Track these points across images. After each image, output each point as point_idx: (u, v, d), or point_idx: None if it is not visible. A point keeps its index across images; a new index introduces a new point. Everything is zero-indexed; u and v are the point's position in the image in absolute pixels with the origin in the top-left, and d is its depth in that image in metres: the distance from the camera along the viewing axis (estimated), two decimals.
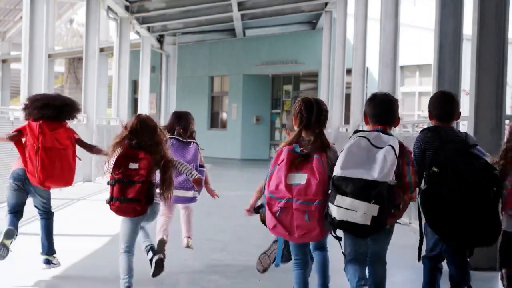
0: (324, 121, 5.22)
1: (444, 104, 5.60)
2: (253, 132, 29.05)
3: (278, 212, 4.89)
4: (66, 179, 7.01)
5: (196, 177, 6.32)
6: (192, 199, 7.40)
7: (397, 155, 4.84)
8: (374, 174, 4.71)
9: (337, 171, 4.80)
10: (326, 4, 22.49)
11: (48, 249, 7.11)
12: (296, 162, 4.95)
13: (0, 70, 34.42)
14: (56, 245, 8.58)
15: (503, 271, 5.39)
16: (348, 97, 18.57)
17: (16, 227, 6.87)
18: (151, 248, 6.56)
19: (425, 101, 23.48)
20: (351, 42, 17.98)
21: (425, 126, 12.30)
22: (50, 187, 6.96)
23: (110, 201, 5.83)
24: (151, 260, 6.53)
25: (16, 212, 6.93)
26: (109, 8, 20.09)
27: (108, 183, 5.90)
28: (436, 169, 5.06)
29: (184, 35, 28.34)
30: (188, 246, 7.61)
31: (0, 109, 20.93)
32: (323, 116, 5.23)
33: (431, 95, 5.87)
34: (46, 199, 7.02)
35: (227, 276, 7.17)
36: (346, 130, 17.62)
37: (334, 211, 4.76)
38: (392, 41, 13.10)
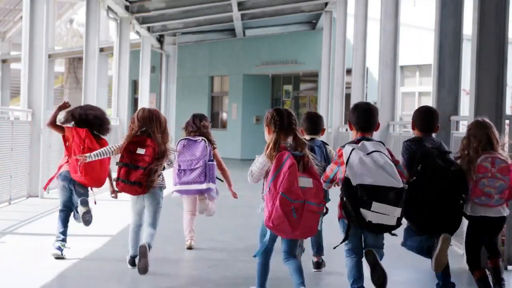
0: (295, 126, 5.73)
1: (426, 118, 6.31)
2: (253, 132, 29.04)
3: (293, 212, 5.37)
4: (101, 180, 7.80)
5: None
6: (207, 190, 8.15)
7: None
8: (398, 182, 5.46)
9: (367, 179, 5.45)
10: (326, 4, 22.49)
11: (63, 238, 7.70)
12: (301, 167, 5.52)
13: (0, 70, 34.41)
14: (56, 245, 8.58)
15: (477, 275, 6.13)
16: (348, 97, 18.57)
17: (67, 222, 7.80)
18: (147, 247, 6.92)
19: (425, 101, 23.53)
20: (351, 42, 17.98)
21: None
22: (86, 184, 7.72)
23: (116, 181, 6.78)
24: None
25: (65, 207, 7.85)
26: (109, 8, 20.08)
27: (116, 164, 6.78)
28: (418, 169, 5.87)
29: (184, 35, 28.33)
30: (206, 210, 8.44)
31: (0, 109, 20.94)
32: (293, 120, 5.75)
33: (415, 110, 6.53)
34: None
35: (227, 276, 7.17)
36: (346, 130, 17.62)
37: (370, 216, 5.45)
38: (392, 41, 13.10)
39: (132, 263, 7.09)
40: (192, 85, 31.12)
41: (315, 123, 7.21)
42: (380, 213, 5.44)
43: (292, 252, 5.78)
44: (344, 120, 19.60)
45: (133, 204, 7.05)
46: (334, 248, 6.02)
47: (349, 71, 18.64)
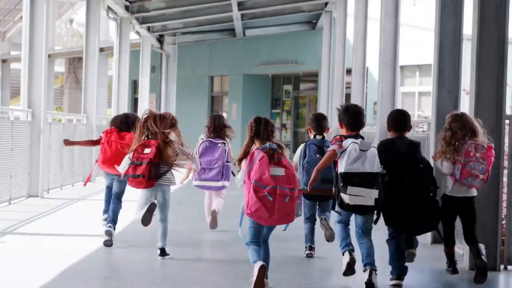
0: (271, 132, 6.55)
1: (399, 120, 6.97)
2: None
3: (267, 196, 6.08)
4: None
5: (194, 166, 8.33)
6: (222, 187, 9.74)
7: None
8: (371, 168, 6.40)
9: (345, 168, 6.41)
10: (326, 4, 22.48)
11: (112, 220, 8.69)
12: (272, 159, 6.25)
13: (0, 70, 34.41)
14: (56, 245, 8.59)
15: (447, 249, 7.05)
16: (348, 97, 18.57)
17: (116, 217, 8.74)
18: (162, 250, 7.86)
19: (425, 101, 23.54)
20: (351, 42, 17.98)
21: (425, 126, 12.44)
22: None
23: (128, 177, 7.64)
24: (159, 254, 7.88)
25: (108, 187, 9.31)
26: (109, 8, 20.07)
27: (128, 164, 7.67)
28: (386, 172, 6.57)
29: (184, 35, 28.33)
30: (214, 212, 9.89)
31: (0, 109, 20.95)
32: (269, 127, 6.55)
33: (389, 113, 7.20)
34: (120, 190, 8.89)
35: (227, 276, 7.17)
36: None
37: (346, 198, 6.41)
38: (392, 41, 13.09)
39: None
40: (192, 85, 31.12)
41: (320, 123, 8.15)
42: (355, 195, 6.38)
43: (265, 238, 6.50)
44: None
45: (142, 192, 7.72)
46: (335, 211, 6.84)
47: (349, 71, 18.63)
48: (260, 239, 6.41)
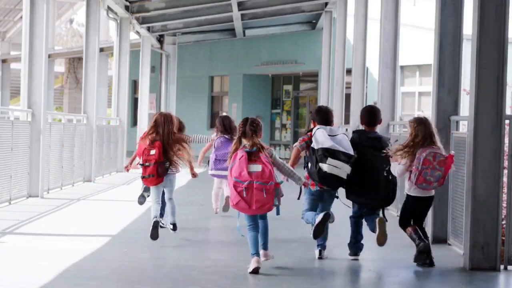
0: (255, 131, 7.31)
1: (370, 115, 7.98)
2: None
3: (244, 191, 6.99)
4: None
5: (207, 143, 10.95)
6: None
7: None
8: (347, 149, 7.49)
9: (326, 144, 7.44)
10: (326, 4, 22.48)
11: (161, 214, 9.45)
12: (252, 157, 7.14)
13: (0, 70, 34.41)
14: (56, 245, 8.60)
15: (409, 230, 7.63)
16: (348, 97, 18.56)
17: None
18: (174, 225, 9.13)
19: (425, 101, 23.53)
20: (351, 42, 17.97)
21: None
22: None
23: (142, 178, 8.79)
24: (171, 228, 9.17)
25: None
26: (109, 8, 20.07)
27: (139, 165, 8.83)
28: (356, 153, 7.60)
29: (184, 35, 28.32)
30: (228, 198, 10.67)
31: (0, 109, 20.94)
32: (253, 127, 7.31)
33: (361, 109, 8.26)
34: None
35: (227, 276, 7.17)
36: (346, 130, 17.60)
37: (325, 167, 7.43)
38: (392, 41, 13.09)
39: (155, 227, 8.64)
40: (192, 85, 31.11)
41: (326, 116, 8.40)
42: (333, 166, 7.41)
43: (256, 224, 7.31)
44: (344, 120, 19.60)
45: (154, 195, 8.91)
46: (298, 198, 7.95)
47: (349, 71, 18.63)
48: (255, 222, 7.29)
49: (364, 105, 16.34)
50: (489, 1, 7.52)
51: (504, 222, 7.92)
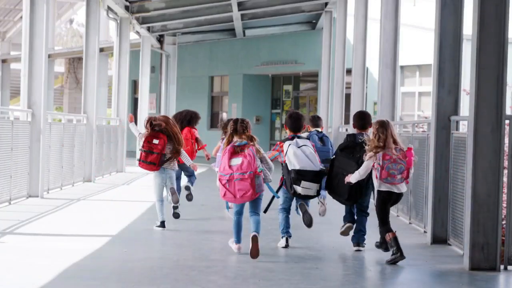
0: (245, 128, 8.32)
1: (361, 120, 8.74)
2: (253, 132, 28.85)
3: (227, 183, 7.96)
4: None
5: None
6: None
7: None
8: (317, 167, 8.40)
9: (298, 165, 8.35)
10: (326, 4, 22.48)
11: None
12: (237, 151, 8.07)
13: (0, 70, 34.41)
14: (56, 245, 8.60)
15: (390, 236, 7.85)
16: (348, 97, 18.57)
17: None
18: (175, 208, 10.68)
19: (425, 101, 23.53)
20: (351, 42, 17.98)
21: (425, 126, 12.43)
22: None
23: (139, 161, 9.84)
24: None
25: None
26: (109, 8, 20.07)
27: (140, 150, 9.87)
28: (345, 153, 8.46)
29: (184, 35, 28.32)
30: None
31: (0, 109, 20.95)
32: (244, 125, 8.35)
33: (354, 114, 9.10)
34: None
35: (227, 276, 7.18)
36: (346, 130, 17.61)
37: (299, 190, 8.38)
38: (392, 41, 13.09)
39: (162, 225, 9.90)
40: (192, 85, 31.11)
41: (296, 124, 9.10)
42: (306, 188, 8.34)
43: (254, 212, 8.20)
44: (344, 120, 19.60)
45: (155, 179, 9.98)
46: (267, 207, 8.56)
47: (349, 71, 18.63)
48: (241, 209, 8.26)
49: (364, 105, 16.44)
50: (489, 1, 7.52)
51: (504, 222, 7.92)
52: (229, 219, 10.11)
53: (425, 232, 9.84)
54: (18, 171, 12.59)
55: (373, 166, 7.92)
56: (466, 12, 9.05)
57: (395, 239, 7.81)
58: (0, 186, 11.76)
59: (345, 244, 8.87)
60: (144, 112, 24.00)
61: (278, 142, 8.79)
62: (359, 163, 8.13)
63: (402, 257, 7.75)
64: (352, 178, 8.07)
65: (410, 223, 10.98)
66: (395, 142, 7.92)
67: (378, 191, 8.02)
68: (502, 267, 7.68)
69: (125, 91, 21.37)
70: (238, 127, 8.34)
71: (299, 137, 8.62)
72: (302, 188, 8.35)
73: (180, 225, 10.35)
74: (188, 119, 11.94)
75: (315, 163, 8.39)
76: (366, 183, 8.37)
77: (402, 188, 7.98)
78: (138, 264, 7.64)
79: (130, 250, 8.40)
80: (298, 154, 8.38)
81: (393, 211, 11.82)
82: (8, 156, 12.03)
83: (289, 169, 8.41)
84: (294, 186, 8.36)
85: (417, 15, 23.79)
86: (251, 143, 8.19)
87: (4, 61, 34.53)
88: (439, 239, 9.14)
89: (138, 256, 8.11)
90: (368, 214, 8.65)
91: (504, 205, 7.84)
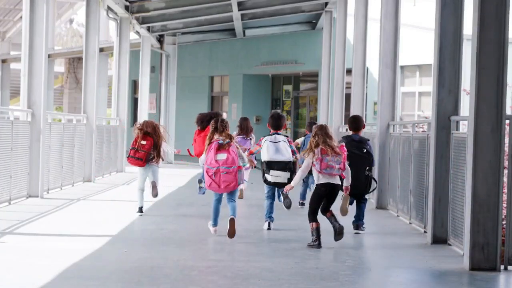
0: (224, 127, 9.30)
1: (354, 123, 10.17)
2: (253, 132, 29.03)
3: (213, 175, 9.03)
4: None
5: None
6: (246, 169, 11.63)
7: (288, 144, 10.03)
8: (285, 157, 9.83)
9: (267, 157, 9.85)
10: (326, 4, 22.47)
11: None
12: (222, 148, 9.11)
13: (0, 70, 34.41)
14: (56, 245, 8.60)
15: (314, 226, 8.78)
16: (348, 97, 18.56)
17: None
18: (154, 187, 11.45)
19: (425, 101, 23.53)
20: (351, 42, 17.97)
21: (425, 126, 12.42)
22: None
23: (128, 157, 11.29)
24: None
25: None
26: (109, 8, 20.06)
27: (130, 148, 11.22)
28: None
29: (184, 35, 28.30)
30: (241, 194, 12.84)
31: (0, 109, 20.94)
32: (224, 124, 9.34)
33: (348, 117, 10.57)
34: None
35: (227, 276, 7.18)
36: (346, 130, 17.60)
37: (269, 177, 9.86)
38: (392, 41, 13.08)
39: (140, 211, 11.27)
40: (192, 85, 31.11)
41: (278, 121, 10.36)
42: (274, 176, 9.79)
43: (231, 199, 9.33)
44: (344, 120, 19.59)
45: (140, 172, 11.39)
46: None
47: (349, 71, 18.62)
48: (219, 197, 9.43)
49: (364, 105, 16.45)
50: (489, 1, 7.52)
51: (504, 222, 7.92)
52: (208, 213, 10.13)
53: (425, 232, 9.84)
54: (18, 171, 12.59)
55: (313, 164, 8.76)
56: (466, 12, 9.05)
57: (317, 229, 8.75)
58: (0, 186, 11.76)
59: (345, 244, 8.87)
60: (144, 112, 24.00)
61: (261, 138, 10.12)
62: (363, 158, 9.69)
63: (319, 246, 8.67)
64: (296, 179, 9.10)
65: (410, 223, 10.97)
66: (330, 138, 8.86)
67: (316, 185, 8.87)
68: (502, 267, 7.68)
69: (125, 91, 21.37)
70: (219, 126, 9.33)
71: (279, 134, 10.05)
72: (272, 176, 9.80)
73: (179, 225, 10.35)
74: (207, 119, 12.44)
75: (285, 155, 9.80)
76: (366, 176, 9.73)
77: (338, 180, 8.87)
78: (138, 264, 7.64)
79: (130, 250, 8.40)
80: (270, 147, 9.87)
81: (393, 211, 11.83)
82: (8, 156, 12.03)
83: (262, 160, 9.88)
84: (265, 174, 9.87)
85: (417, 15, 23.78)
86: (231, 142, 9.23)
87: (4, 61, 34.54)
88: (439, 239, 9.14)
89: (138, 256, 8.11)
90: (366, 200, 10.06)
91: (504, 205, 7.83)
